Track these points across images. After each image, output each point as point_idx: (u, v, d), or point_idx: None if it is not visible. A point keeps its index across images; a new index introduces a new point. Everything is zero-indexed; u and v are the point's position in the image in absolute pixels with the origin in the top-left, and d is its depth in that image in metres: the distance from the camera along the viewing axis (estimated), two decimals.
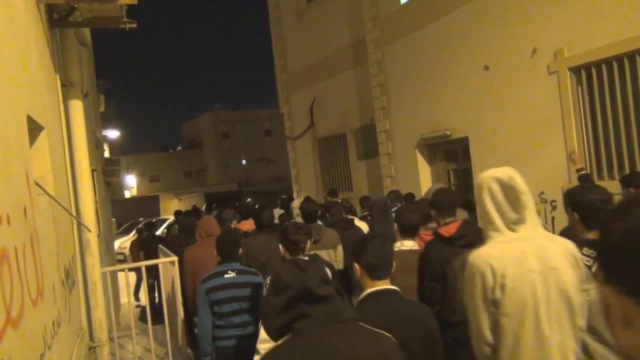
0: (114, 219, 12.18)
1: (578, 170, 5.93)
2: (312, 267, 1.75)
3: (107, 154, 14.22)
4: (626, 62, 5.92)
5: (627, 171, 5.84)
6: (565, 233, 2.77)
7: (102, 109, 10.60)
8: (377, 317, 2.08)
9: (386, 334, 1.78)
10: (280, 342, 1.68)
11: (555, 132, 6.62)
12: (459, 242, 3.16)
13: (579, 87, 6.48)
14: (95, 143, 7.14)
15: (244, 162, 52.66)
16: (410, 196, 7.18)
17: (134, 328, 5.14)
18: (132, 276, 8.72)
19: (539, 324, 2.11)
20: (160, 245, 7.03)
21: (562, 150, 6.55)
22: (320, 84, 12.25)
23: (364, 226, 5.59)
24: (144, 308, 8.37)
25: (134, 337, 5.09)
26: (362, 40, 10.34)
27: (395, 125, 9.73)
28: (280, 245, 3.49)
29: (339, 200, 8.11)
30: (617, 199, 2.85)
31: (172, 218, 14.29)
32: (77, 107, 3.87)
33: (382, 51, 9.83)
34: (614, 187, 4.47)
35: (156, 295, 8.56)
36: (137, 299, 10.18)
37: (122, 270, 5.64)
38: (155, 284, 8.12)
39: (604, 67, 6.17)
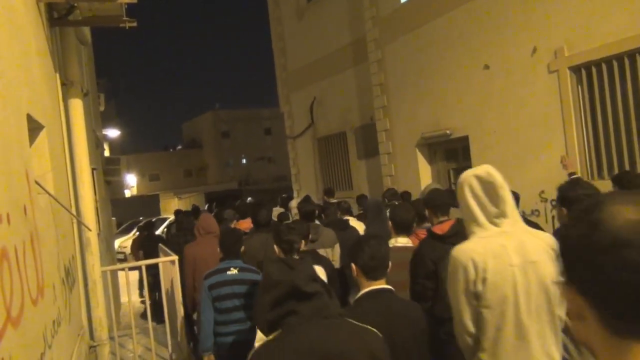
0: (114, 218, 12.20)
1: (569, 175, 5.92)
2: (301, 265, 1.83)
3: (107, 153, 14.21)
4: (626, 61, 5.92)
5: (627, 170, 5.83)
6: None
7: (102, 108, 10.61)
8: (375, 316, 2.17)
9: (371, 328, 1.87)
10: (270, 337, 1.76)
11: (556, 131, 6.62)
12: (452, 240, 3.20)
13: (579, 86, 6.48)
14: (95, 142, 7.14)
15: (244, 161, 52.66)
16: (406, 194, 7.20)
17: (134, 327, 5.14)
18: (133, 275, 8.72)
19: (519, 315, 2.20)
20: (160, 245, 7.05)
21: (562, 149, 6.55)
22: (321, 82, 12.25)
23: (359, 226, 5.64)
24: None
25: (135, 336, 5.10)
26: (362, 39, 10.34)
27: (396, 124, 9.73)
28: (274, 245, 3.58)
29: (335, 200, 8.16)
30: None
31: (172, 217, 14.29)
32: (77, 106, 3.87)
33: (382, 50, 9.83)
34: None
35: (156, 294, 8.56)
36: (141, 295, 10.18)
37: (122, 269, 5.64)
38: (154, 282, 8.11)
39: (604, 66, 6.17)
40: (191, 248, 5.13)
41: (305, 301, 1.75)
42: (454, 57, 8.12)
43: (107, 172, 9.41)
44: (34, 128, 2.63)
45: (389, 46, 9.68)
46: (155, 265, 5.59)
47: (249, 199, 24.62)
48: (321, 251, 4.53)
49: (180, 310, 5.31)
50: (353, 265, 2.46)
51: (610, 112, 6.17)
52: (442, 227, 3.30)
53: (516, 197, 4.08)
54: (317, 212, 5.67)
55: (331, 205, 6.65)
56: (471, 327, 2.29)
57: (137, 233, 12.42)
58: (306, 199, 7.87)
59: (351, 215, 6.57)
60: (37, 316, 1.91)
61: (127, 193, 41.36)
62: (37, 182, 2.29)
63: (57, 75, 3.65)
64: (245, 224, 6.18)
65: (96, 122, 8.69)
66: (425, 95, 8.86)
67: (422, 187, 8.76)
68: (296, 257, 3.39)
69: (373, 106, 10.18)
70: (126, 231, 18.59)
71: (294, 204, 9.04)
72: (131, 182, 46.40)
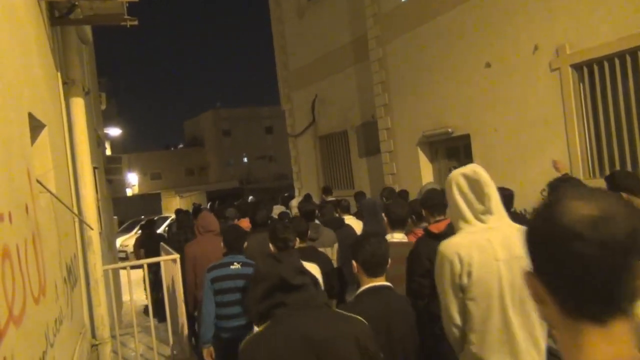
0: (115, 217, 12.21)
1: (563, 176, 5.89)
2: (288, 259, 1.97)
3: (108, 152, 14.23)
4: (628, 58, 5.90)
5: (629, 168, 5.82)
6: None
7: (103, 106, 10.59)
8: (375, 311, 2.30)
9: (358, 317, 1.97)
10: (262, 327, 1.86)
11: (557, 129, 6.61)
12: None
13: (581, 84, 6.46)
14: (97, 141, 7.15)
15: (245, 159, 52.66)
16: (404, 193, 7.24)
17: (136, 326, 5.16)
18: (134, 274, 8.73)
19: (504, 308, 2.28)
20: (162, 244, 7.06)
21: (564, 147, 6.54)
22: (322, 81, 12.24)
23: (357, 224, 5.70)
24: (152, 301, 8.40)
25: (136, 335, 5.11)
26: (364, 37, 10.32)
27: (397, 122, 9.72)
28: (270, 244, 3.62)
29: (333, 199, 8.21)
30: None
31: (173, 216, 14.31)
32: (78, 105, 3.87)
33: (384, 48, 9.81)
34: None
35: (158, 292, 8.57)
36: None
37: (124, 268, 5.65)
38: (156, 280, 8.12)
39: (606, 64, 6.15)
40: (191, 246, 5.15)
41: (293, 292, 1.84)
42: (456, 55, 8.11)
43: (108, 171, 9.41)
44: (36, 127, 2.63)
45: (390, 44, 9.66)
46: (157, 264, 5.61)
47: (251, 197, 24.64)
48: (321, 250, 4.57)
49: (182, 309, 5.32)
50: (354, 262, 2.54)
51: (612, 110, 6.16)
52: (438, 226, 3.37)
53: (510, 194, 4.08)
54: (316, 211, 5.77)
55: (327, 203, 6.74)
56: (458, 320, 2.37)
57: (139, 232, 12.43)
58: (307, 199, 7.88)
59: (351, 213, 6.60)
60: (39, 315, 1.91)
61: (129, 192, 41.40)
62: (38, 181, 2.29)
63: (59, 74, 3.65)
64: (246, 223, 6.21)
65: (97, 121, 8.69)
66: (426, 94, 8.84)
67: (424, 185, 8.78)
68: None
69: (374, 104, 10.17)
70: (128, 230, 18.62)
71: (294, 203, 9.05)
72: (133, 181, 46.42)
